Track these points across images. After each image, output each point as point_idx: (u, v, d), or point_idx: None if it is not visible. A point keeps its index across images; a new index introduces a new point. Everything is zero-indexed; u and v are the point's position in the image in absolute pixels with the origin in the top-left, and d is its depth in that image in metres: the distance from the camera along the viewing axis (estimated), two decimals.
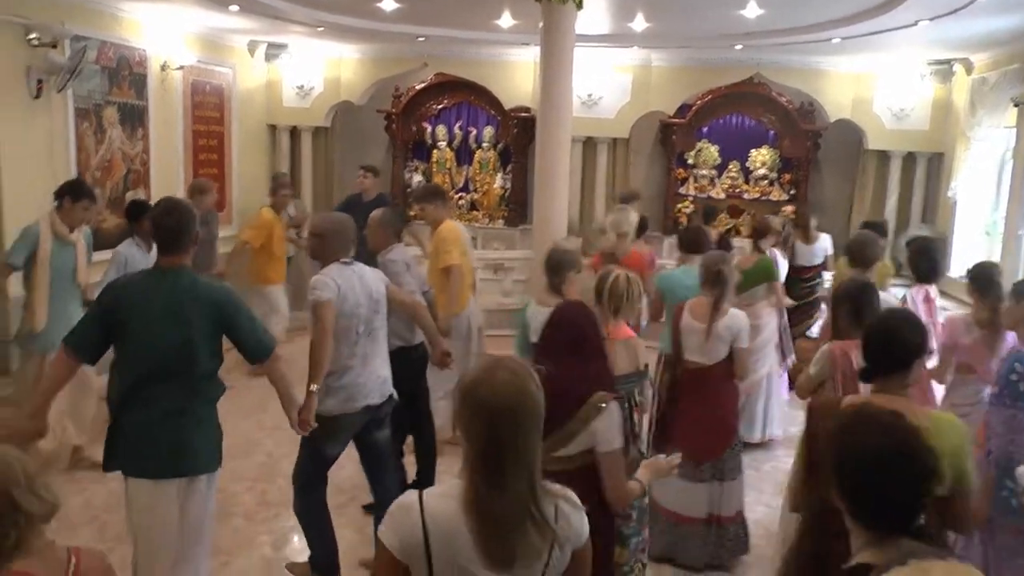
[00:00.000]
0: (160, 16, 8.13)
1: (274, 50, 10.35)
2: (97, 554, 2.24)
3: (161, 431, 3.35)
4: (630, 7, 7.80)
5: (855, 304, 3.82)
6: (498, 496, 1.87)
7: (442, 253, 5.80)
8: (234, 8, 7.86)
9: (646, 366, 4.01)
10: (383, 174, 9.44)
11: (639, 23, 8.27)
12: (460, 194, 11.14)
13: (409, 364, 4.82)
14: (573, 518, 1.98)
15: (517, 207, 10.87)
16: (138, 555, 3.44)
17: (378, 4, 7.64)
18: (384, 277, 4.36)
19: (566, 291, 4.36)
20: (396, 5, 7.63)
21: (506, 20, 8.27)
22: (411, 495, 1.95)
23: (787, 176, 10.86)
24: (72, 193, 5.43)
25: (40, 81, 6.78)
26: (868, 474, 1.85)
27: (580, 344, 3.06)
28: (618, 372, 3.76)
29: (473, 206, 11.16)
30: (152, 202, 6.12)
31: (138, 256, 5.58)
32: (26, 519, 2.03)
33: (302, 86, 10.58)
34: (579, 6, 7.03)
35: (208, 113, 9.32)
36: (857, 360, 3.60)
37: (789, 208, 10.32)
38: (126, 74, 7.88)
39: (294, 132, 10.81)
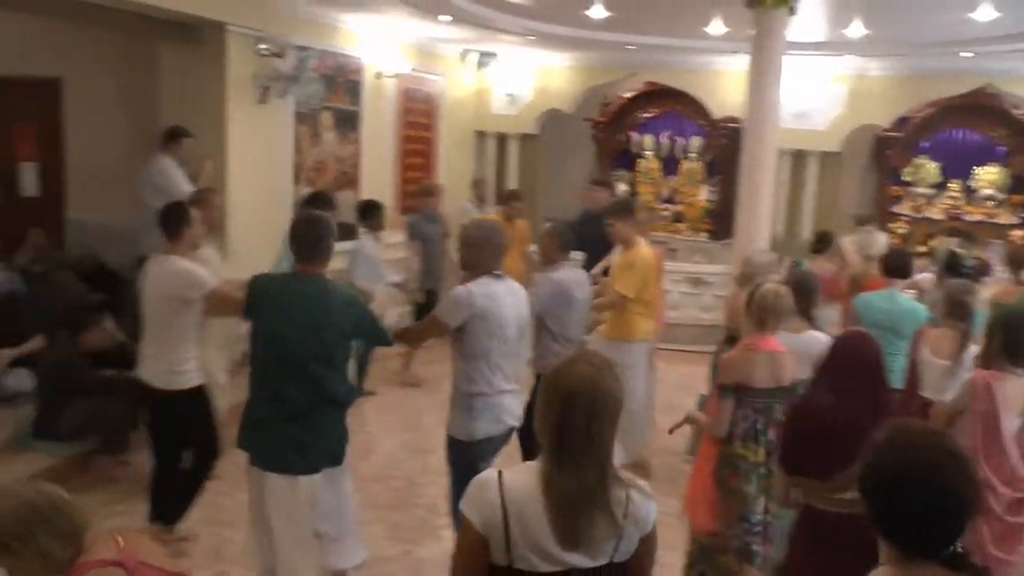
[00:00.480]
0: (376, 27, 8.50)
1: (484, 58, 10.57)
2: (137, 536, 2.36)
3: (285, 428, 3.54)
4: (847, 13, 7.38)
5: (1011, 335, 3.60)
6: (570, 477, 2.00)
7: (619, 278, 5.57)
8: (446, 18, 8.09)
9: (793, 383, 3.88)
10: (587, 183, 9.42)
11: (856, 30, 7.79)
12: (664, 205, 10.94)
13: None
14: (642, 506, 2.08)
15: (721, 220, 10.54)
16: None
17: (587, 13, 7.62)
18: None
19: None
20: (605, 14, 7.58)
21: (716, 27, 8.04)
22: (490, 472, 2.11)
23: (1017, 197, 9.89)
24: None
25: (265, 88, 7.28)
26: (898, 489, 1.71)
27: (865, 375, 3.02)
28: (758, 385, 3.81)
29: (677, 218, 10.92)
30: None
31: (372, 249, 6.70)
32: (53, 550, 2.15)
33: (511, 94, 10.74)
34: (791, 12, 6.70)
35: (418, 119, 9.66)
36: (1002, 394, 3.48)
37: (1018, 233, 9.39)
38: (342, 81, 8.30)
39: (501, 139, 10.99)
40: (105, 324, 6.18)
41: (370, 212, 6.96)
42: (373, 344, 4.12)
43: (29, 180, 8.74)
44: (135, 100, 8.00)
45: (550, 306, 4.69)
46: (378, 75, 8.82)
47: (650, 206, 10.56)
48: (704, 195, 10.84)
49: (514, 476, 2.07)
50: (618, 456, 5.28)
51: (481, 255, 3.93)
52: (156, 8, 6.39)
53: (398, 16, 8.04)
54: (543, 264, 4.93)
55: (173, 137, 6.57)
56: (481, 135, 11.02)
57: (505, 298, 3.91)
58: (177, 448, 4.60)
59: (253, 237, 6.90)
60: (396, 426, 6.76)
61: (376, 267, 6.71)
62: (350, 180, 8.58)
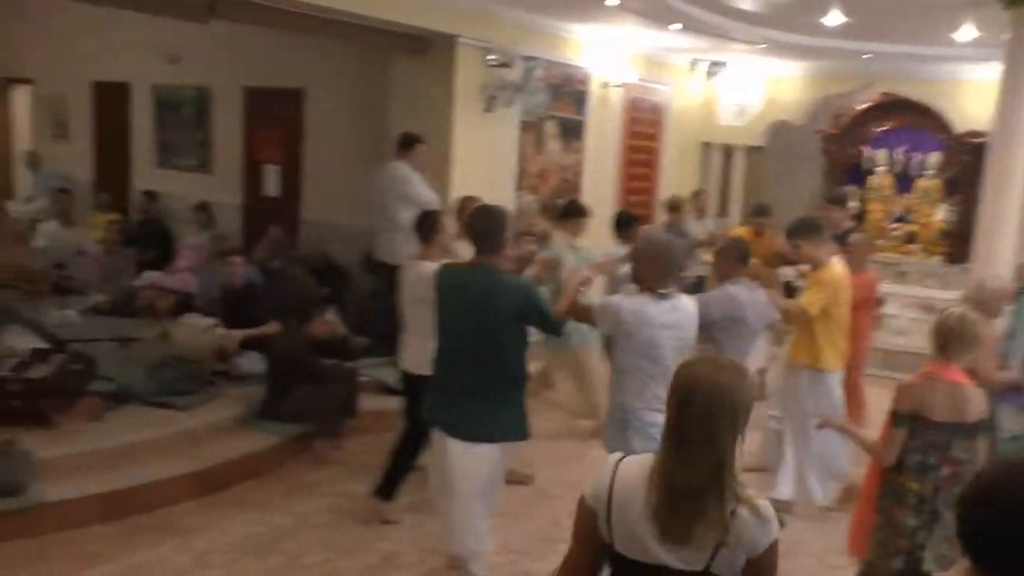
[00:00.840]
0: (604, 37, 8.56)
1: (714, 68, 10.40)
2: None
3: (464, 403, 4.04)
4: None
5: None
6: (678, 472, 2.02)
7: (805, 294, 5.30)
8: (676, 27, 8.03)
9: (979, 420, 3.57)
10: (816, 197, 9.09)
11: None
12: (896, 224, 10.31)
13: None
14: (752, 526, 2.02)
15: (959, 243, 9.77)
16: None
17: (823, 20, 7.33)
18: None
19: None
20: (842, 20, 7.26)
21: (964, 33, 7.48)
22: (616, 455, 2.20)
23: None
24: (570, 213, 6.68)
25: (492, 97, 7.53)
26: (993, 514, 1.52)
27: None
28: (936, 417, 3.54)
29: (909, 238, 10.26)
30: None
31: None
32: None
33: (739, 104, 10.51)
34: None
35: (643, 129, 9.65)
36: None
37: None
38: (568, 91, 8.43)
39: (727, 150, 10.78)
40: (330, 317, 6.63)
41: (624, 223, 7.11)
42: (542, 330, 4.18)
43: (271, 181, 9.50)
44: (366, 109, 8.47)
45: (716, 317, 4.43)
46: (604, 85, 8.89)
47: (879, 225, 10.01)
48: (940, 215, 10.06)
49: (630, 463, 2.15)
50: (818, 483, 5.13)
51: (646, 271, 3.85)
52: (393, 23, 6.77)
53: (627, 26, 8.06)
54: (719, 280, 4.76)
55: (409, 144, 6.83)
56: (707, 146, 10.86)
57: (661, 318, 3.77)
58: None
59: None
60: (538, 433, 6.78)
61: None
62: (572, 189, 8.70)
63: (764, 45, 8.84)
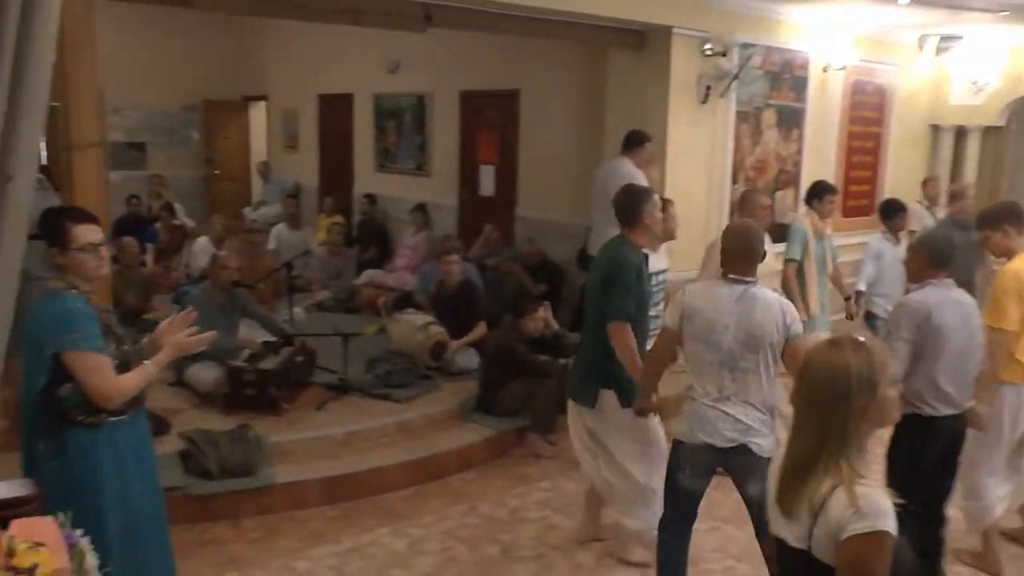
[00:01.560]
0: (825, 18, 8.09)
1: (946, 43, 9.58)
2: None
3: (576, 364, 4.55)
4: None
5: None
6: (792, 443, 2.11)
7: (992, 306, 4.24)
8: (904, 1, 7.46)
9: None
10: None
11: None
12: None
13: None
14: (841, 509, 1.96)
15: None
16: None
17: None
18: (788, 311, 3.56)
19: None
20: None
21: None
22: None
23: None
24: (817, 194, 6.26)
25: (708, 87, 7.28)
26: None
27: None
28: None
29: None
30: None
31: (887, 250, 6.62)
32: None
33: (975, 81, 9.63)
34: None
35: (866, 113, 9.05)
36: None
37: None
38: (787, 77, 8.03)
39: (959, 132, 9.92)
40: (544, 313, 6.62)
41: (890, 211, 6.80)
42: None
43: (486, 181, 9.68)
44: (580, 106, 8.45)
45: (909, 339, 3.77)
46: (825, 68, 8.40)
47: None
48: None
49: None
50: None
51: (725, 258, 3.66)
52: (608, 18, 6.68)
53: (852, 5, 7.57)
54: (912, 280, 4.06)
55: (636, 141, 6.55)
56: (936, 129, 10.04)
57: (725, 303, 3.53)
58: None
59: (690, 237, 6.93)
60: None
61: (890, 270, 6.48)
62: (790, 179, 8.29)
63: (1007, 12, 8.03)
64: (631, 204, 4.26)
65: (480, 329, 6.81)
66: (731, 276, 3.58)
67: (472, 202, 9.86)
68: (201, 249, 9.14)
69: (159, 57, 12.85)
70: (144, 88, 12.93)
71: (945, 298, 3.81)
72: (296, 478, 5.10)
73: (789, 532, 2.09)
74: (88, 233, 2.95)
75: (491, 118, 9.59)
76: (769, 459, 3.35)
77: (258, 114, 14.26)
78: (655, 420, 4.29)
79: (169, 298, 8.30)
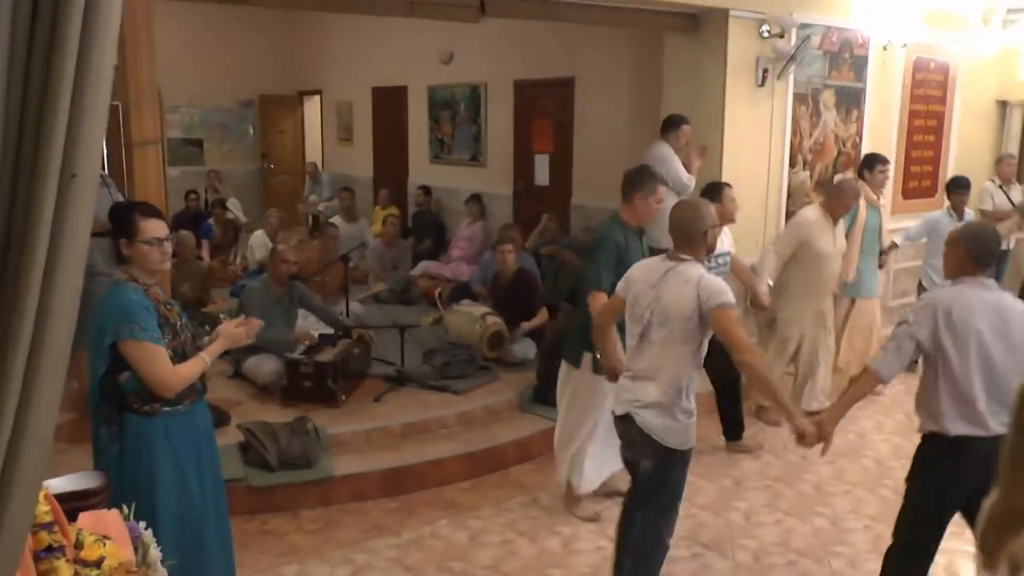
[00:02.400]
0: None
1: (1012, 15, 9.26)
2: None
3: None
4: None
5: None
6: (1011, 486, 1.79)
7: None
8: None
9: None
10: None
11: None
12: None
13: None
14: None
15: None
16: None
17: None
18: None
19: None
20: None
21: None
22: None
23: None
24: (868, 165, 6.85)
25: (765, 70, 7.14)
26: None
27: None
28: None
29: None
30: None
31: (945, 225, 6.77)
32: None
33: None
34: None
35: (929, 92, 8.80)
36: None
37: None
38: (847, 57, 7.83)
39: None
40: None
41: (953, 188, 7.03)
42: None
43: (541, 170, 9.63)
44: (636, 93, 8.35)
45: (928, 341, 3.38)
46: (885, 47, 8.18)
47: None
48: None
49: None
50: None
51: (670, 235, 3.67)
52: (664, 2, 6.59)
53: None
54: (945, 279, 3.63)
55: (672, 125, 6.66)
56: (1003, 105, 9.72)
57: (653, 278, 3.58)
58: None
59: (750, 221, 6.85)
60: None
61: None
62: (849, 161, 8.06)
63: None
64: (629, 183, 4.59)
65: (543, 315, 6.79)
66: (670, 253, 3.62)
67: (527, 192, 9.82)
68: (257, 242, 9.24)
69: (214, 54, 13.04)
70: (200, 85, 13.14)
71: (977, 298, 3.34)
72: (355, 470, 5.12)
73: None
74: (154, 228, 3.08)
75: (546, 107, 9.53)
76: (660, 442, 3.50)
77: (312, 108, 14.40)
78: (605, 386, 4.36)
79: (227, 291, 8.42)
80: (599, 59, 8.74)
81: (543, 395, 6.03)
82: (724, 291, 3.44)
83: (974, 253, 3.39)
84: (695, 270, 3.51)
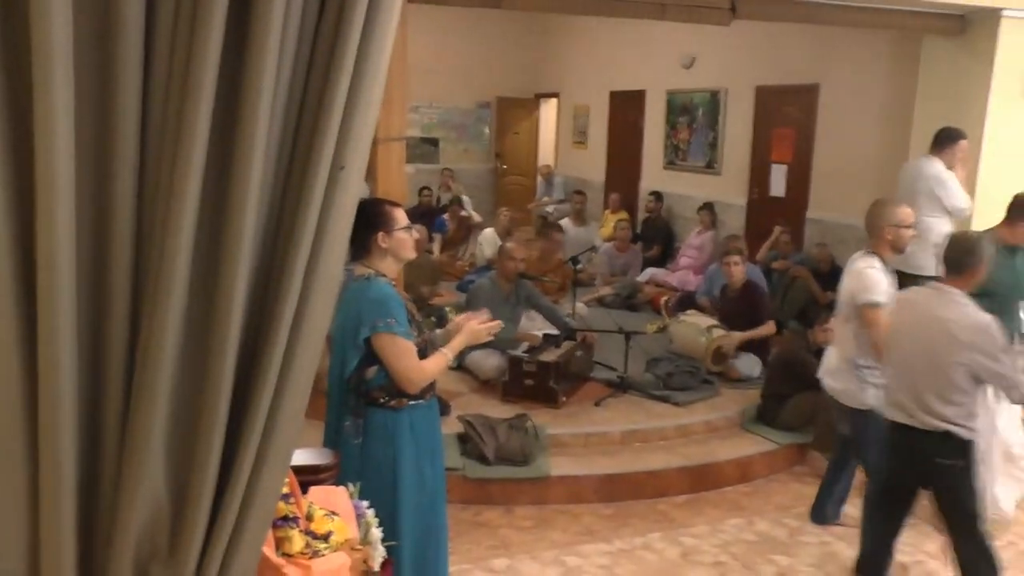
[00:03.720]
0: None
1: None
2: None
3: None
4: None
5: None
6: None
7: None
8: None
9: None
10: None
11: None
12: None
13: None
14: None
15: None
16: None
17: None
18: None
19: None
20: None
21: None
22: None
23: None
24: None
25: None
26: None
27: None
28: None
29: None
30: None
31: None
32: None
33: None
34: None
35: None
36: None
37: None
38: None
39: None
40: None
41: None
42: None
43: (778, 180, 9.27)
44: (886, 102, 7.85)
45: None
46: None
47: None
48: None
49: None
50: None
51: None
52: (928, 2, 6.15)
53: None
54: None
55: (948, 139, 6.03)
56: None
57: None
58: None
59: None
60: None
61: None
62: None
63: None
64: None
65: (769, 327, 6.54)
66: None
67: (761, 202, 9.50)
68: (487, 240, 9.47)
69: (456, 56, 13.50)
70: (441, 86, 13.64)
71: (918, 299, 3.73)
72: (571, 472, 5.13)
73: None
74: (404, 216, 3.15)
75: (787, 114, 9.17)
76: None
77: (549, 111, 14.62)
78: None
79: (454, 286, 8.68)
80: (847, 65, 8.30)
81: (766, 415, 5.81)
82: None
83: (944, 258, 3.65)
84: None
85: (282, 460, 1.53)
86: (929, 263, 5.42)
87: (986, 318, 3.48)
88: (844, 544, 4.71)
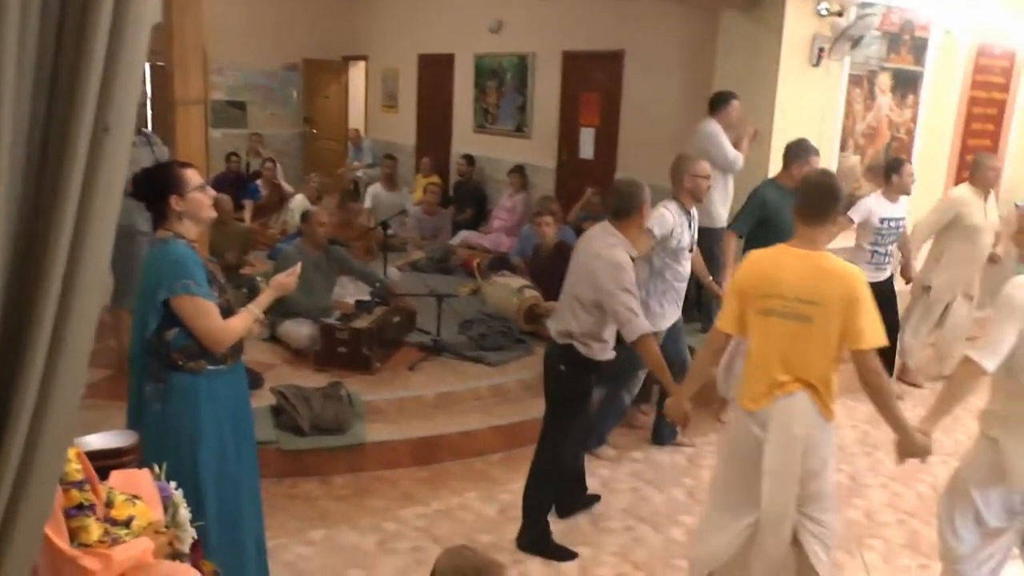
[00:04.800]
0: None
1: None
2: None
3: None
4: None
5: None
6: None
7: None
8: None
9: None
10: None
11: None
12: None
13: None
14: None
15: None
16: None
17: None
18: None
19: None
20: None
21: None
22: None
23: None
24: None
25: (821, 49, 6.95)
26: None
27: None
28: None
29: None
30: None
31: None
32: None
33: None
34: None
35: (991, 78, 8.54)
36: None
37: None
38: (907, 39, 7.61)
39: None
40: None
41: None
42: None
43: (587, 143, 9.51)
44: (687, 69, 8.19)
45: None
46: (948, 30, 7.94)
47: None
48: None
49: None
50: None
51: None
52: None
53: None
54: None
55: (721, 101, 6.55)
56: None
57: None
58: None
59: None
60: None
61: None
62: (902, 147, 7.87)
63: None
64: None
65: None
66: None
67: (571, 165, 9.72)
68: (298, 207, 9.24)
69: (261, 17, 13.05)
70: (246, 48, 13.15)
71: (590, 233, 4.16)
72: (387, 438, 5.11)
73: None
74: (196, 176, 3.09)
75: (594, 79, 9.39)
76: None
77: (358, 74, 14.35)
78: None
79: (266, 255, 8.44)
80: (650, 33, 8.58)
81: None
82: None
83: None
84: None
85: (57, 448, 1.44)
86: (718, 212, 6.37)
87: (622, 257, 3.90)
88: (653, 489, 4.97)
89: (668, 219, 4.92)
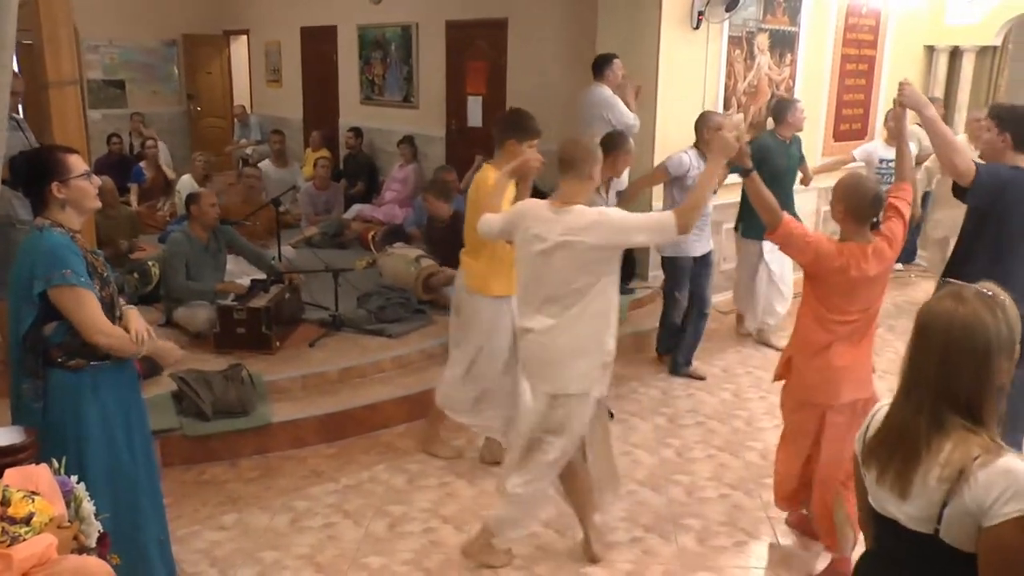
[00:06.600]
0: None
1: None
2: None
3: None
4: None
5: None
6: (898, 409, 1.89)
7: None
8: None
9: None
10: None
11: None
12: None
13: None
14: (982, 491, 1.71)
15: None
16: None
17: None
18: None
19: None
20: None
21: None
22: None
23: None
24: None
25: (700, 13, 7.11)
26: None
27: None
28: None
29: None
30: None
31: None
32: None
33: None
34: None
35: (861, 36, 8.89)
36: None
37: None
38: (782, 1, 7.85)
39: (955, 53, 9.74)
40: None
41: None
42: None
43: (475, 112, 9.53)
44: (570, 35, 8.28)
45: None
46: None
47: None
48: None
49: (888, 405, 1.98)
50: None
51: None
52: None
53: None
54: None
55: (604, 63, 6.63)
56: (930, 50, 9.87)
57: None
58: None
59: None
60: None
61: None
62: None
63: None
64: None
65: None
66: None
67: (461, 133, 9.73)
68: (185, 187, 8.98)
69: None
70: (120, 23, 12.66)
71: None
72: (292, 416, 5.07)
73: (904, 513, 1.85)
74: (80, 162, 2.94)
75: (479, 48, 9.40)
76: None
77: (240, 48, 13.99)
78: None
79: (156, 238, 8.20)
80: (532, 1, 8.62)
81: None
82: None
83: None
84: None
85: None
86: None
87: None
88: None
89: (684, 161, 5.73)
